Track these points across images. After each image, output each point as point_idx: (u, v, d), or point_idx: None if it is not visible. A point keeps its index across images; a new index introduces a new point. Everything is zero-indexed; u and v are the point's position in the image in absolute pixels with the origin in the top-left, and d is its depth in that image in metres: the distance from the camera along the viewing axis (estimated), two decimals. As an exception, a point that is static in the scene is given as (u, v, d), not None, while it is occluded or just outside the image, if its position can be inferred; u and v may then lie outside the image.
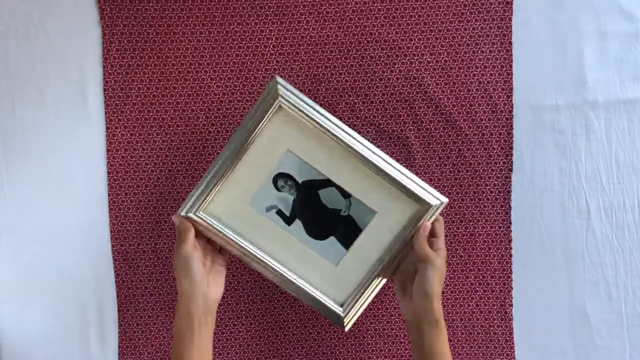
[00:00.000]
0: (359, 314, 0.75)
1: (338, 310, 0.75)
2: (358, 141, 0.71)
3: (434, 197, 0.72)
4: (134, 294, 0.82)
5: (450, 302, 0.82)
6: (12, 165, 0.81)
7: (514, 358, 0.82)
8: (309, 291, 0.74)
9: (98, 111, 0.81)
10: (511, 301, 0.82)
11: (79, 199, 0.81)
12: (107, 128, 0.80)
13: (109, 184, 0.81)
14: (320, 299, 0.74)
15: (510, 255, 0.81)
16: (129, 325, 0.82)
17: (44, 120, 0.80)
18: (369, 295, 0.75)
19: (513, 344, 0.82)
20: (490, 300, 0.82)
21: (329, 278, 0.75)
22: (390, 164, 0.72)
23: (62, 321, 0.82)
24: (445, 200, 0.72)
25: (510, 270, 0.81)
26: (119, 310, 0.82)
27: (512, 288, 0.82)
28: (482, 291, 0.82)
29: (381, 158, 0.71)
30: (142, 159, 0.81)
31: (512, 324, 0.82)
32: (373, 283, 0.74)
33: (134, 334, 0.82)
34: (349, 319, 0.75)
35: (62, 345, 0.82)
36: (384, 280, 0.75)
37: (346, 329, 0.75)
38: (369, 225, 0.74)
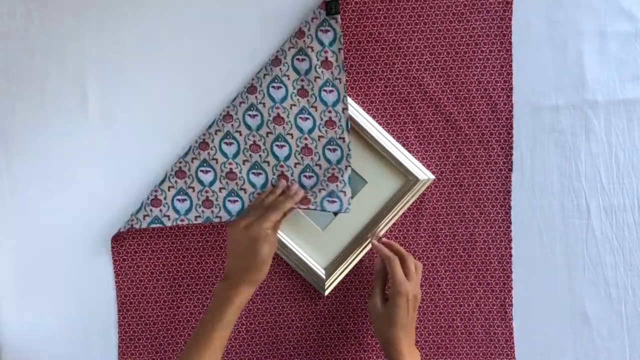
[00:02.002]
0: (339, 279, 0.80)
1: (320, 272, 0.80)
2: (354, 109, 0.78)
3: (422, 173, 0.78)
4: (134, 294, 0.82)
5: (450, 302, 0.82)
6: (12, 165, 0.81)
7: (514, 358, 0.82)
8: (295, 251, 0.80)
9: (98, 111, 0.81)
10: (511, 301, 0.82)
11: (79, 199, 0.81)
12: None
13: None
14: (305, 260, 0.80)
15: (510, 255, 0.81)
16: (129, 326, 0.82)
17: (44, 120, 0.80)
18: (351, 262, 0.80)
19: (513, 343, 0.82)
20: (490, 300, 0.82)
21: (315, 242, 0.81)
22: (384, 136, 0.78)
23: (62, 321, 0.82)
24: (431, 176, 0.79)
25: (511, 270, 0.81)
26: (119, 311, 0.82)
27: (512, 288, 0.82)
28: (482, 291, 0.82)
29: (375, 128, 0.78)
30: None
31: (512, 323, 0.82)
32: (356, 251, 0.80)
33: (133, 333, 0.82)
34: (329, 283, 0.80)
35: (62, 345, 0.82)
36: (367, 248, 0.80)
37: (325, 293, 0.80)
38: (358, 194, 0.80)
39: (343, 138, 0.78)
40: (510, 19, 0.80)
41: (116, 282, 0.82)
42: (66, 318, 0.82)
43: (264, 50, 0.79)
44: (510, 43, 0.80)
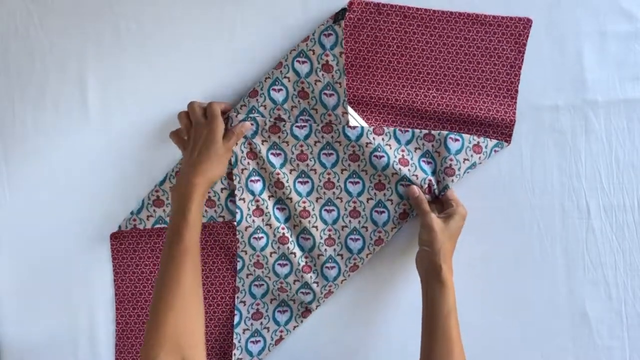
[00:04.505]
0: None
1: None
2: (352, 114, 0.79)
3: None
4: (132, 293, 0.82)
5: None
6: (12, 165, 0.81)
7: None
8: None
9: (98, 111, 0.81)
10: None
11: (79, 199, 0.81)
12: None
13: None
14: None
15: None
16: (126, 324, 0.82)
17: (44, 120, 0.80)
18: None
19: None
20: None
21: None
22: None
23: (62, 321, 0.82)
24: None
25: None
26: (117, 309, 0.82)
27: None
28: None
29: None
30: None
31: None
32: None
33: (131, 332, 0.82)
34: None
35: (62, 346, 0.82)
36: None
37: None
38: None
39: (339, 142, 0.78)
40: (524, 44, 0.79)
41: (115, 280, 0.82)
42: (66, 318, 0.82)
43: (267, 52, 0.79)
44: (520, 68, 0.79)
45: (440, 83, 0.79)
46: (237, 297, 0.81)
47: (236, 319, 0.81)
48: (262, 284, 0.81)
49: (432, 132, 0.78)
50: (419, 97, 0.79)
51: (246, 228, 0.78)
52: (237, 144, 0.77)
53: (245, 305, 0.81)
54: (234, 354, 0.80)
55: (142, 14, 0.80)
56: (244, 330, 0.81)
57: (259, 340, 0.81)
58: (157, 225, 0.80)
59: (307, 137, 0.78)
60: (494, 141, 0.79)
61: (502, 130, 0.80)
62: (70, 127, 0.81)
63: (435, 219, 0.74)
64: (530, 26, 0.79)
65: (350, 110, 0.78)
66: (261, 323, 0.81)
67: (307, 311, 0.81)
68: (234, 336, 0.80)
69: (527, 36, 0.79)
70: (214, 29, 0.80)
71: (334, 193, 0.79)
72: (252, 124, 0.77)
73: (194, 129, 0.75)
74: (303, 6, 0.79)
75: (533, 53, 0.80)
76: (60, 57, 0.80)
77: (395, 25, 0.78)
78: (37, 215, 0.81)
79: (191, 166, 0.71)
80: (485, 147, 0.79)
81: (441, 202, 0.78)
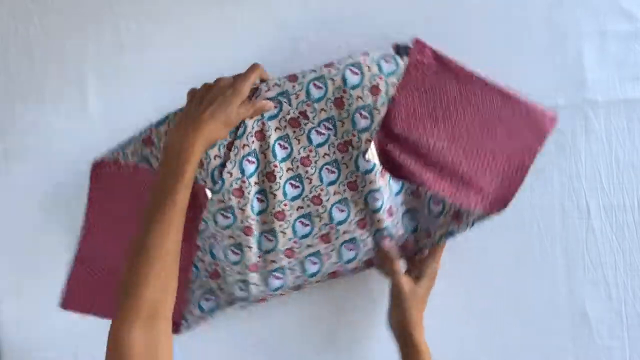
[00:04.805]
0: None
1: None
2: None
3: None
4: (101, 227, 0.80)
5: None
6: (12, 165, 0.81)
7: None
8: None
9: (98, 111, 0.81)
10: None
11: (79, 199, 0.81)
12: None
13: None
14: None
15: None
16: (86, 257, 0.80)
17: (44, 120, 0.80)
18: None
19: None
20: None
21: None
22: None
23: (62, 321, 0.82)
24: None
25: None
26: (80, 240, 0.80)
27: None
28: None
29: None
30: None
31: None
32: None
33: (90, 264, 0.80)
34: None
35: (62, 346, 0.82)
36: None
37: None
38: None
39: (347, 165, 0.75)
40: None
41: (87, 210, 0.79)
42: (66, 318, 0.82)
43: (267, 52, 0.79)
44: (535, 155, 0.77)
45: (459, 139, 0.76)
46: (197, 255, 0.79)
47: (193, 275, 0.79)
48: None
49: (420, 188, 0.76)
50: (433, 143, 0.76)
51: (219, 201, 0.74)
52: (251, 117, 0.72)
53: (204, 263, 0.79)
54: (188, 309, 0.79)
55: (142, 14, 0.80)
56: (200, 286, 0.80)
57: (212, 299, 0.80)
58: (141, 164, 0.76)
59: (320, 145, 0.74)
60: (478, 212, 0.75)
61: (495, 205, 0.76)
62: (70, 127, 0.81)
63: (405, 280, 0.73)
64: (555, 124, 0.76)
65: (372, 144, 0.74)
66: (218, 284, 0.79)
67: (232, 304, 0.79)
68: (188, 292, 0.79)
69: (550, 131, 0.76)
70: (214, 29, 0.80)
71: (317, 210, 0.75)
72: (275, 107, 0.73)
73: (216, 82, 0.70)
74: (303, 6, 0.79)
75: (533, 53, 0.80)
76: (60, 57, 0.80)
77: (441, 76, 0.75)
78: (37, 215, 0.81)
79: (195, 122, 0.66)
80: (466, 217, 0.75)
81: (413, 260, 0.78)
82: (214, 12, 0.80)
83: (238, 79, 0.70)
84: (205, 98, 0.68)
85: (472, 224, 0.75)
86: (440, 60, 0.74)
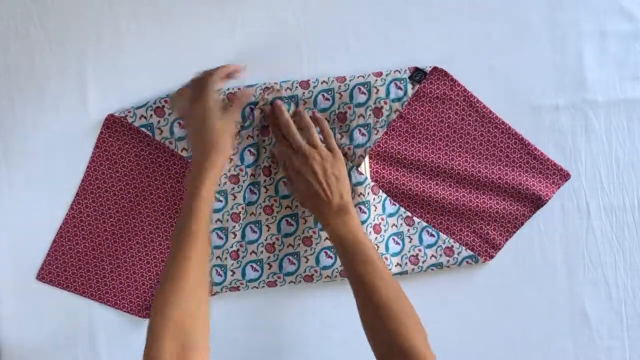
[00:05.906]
0: None
1: None
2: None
3: None
4: (97, 185, 0.80)
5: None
6: (12, 165, 0.81)
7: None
8: None
9: (98, 111, 0.80)
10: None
11: (79, 198, 0.81)
12: None
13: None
14: None
15: None
16: (79, 213, 0.80)
17: (44, 120, 0.80)
18: None
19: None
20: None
21: None
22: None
23: (62, 321, 0.82)
24: None
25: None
26: (77, 195, 0.80)
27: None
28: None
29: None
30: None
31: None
32: None
33: (81, 220, 0.81)
34: None
35: (62, 346, 0.82)
36: None
37: None
38: None
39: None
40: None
41: (88, 166, 0.80)
42: (66, 318, 0.82)
43: (267, 52, 0.79)
44: (540, 207, 0.80)
45: (465, 177, 0.79)
46: None
47: None
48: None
49: (414, 217, 0.79)
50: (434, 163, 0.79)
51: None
52: (258, 114, 0.75)
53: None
54: None
55: (142, 14, 0.80)
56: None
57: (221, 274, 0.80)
58: (143, 130, 0.78)
59: None
60: (469, 252, 0.79)
61: (486, 248, 0.80)
62: (70, 127, 0.81)
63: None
64: (567, 180, 0.80)
65: (366, 159, 0.77)
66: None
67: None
68: None
69: (560, 185, 0.80)
70: (214, 29, 0.80)
71: (304, 212, 0.78)
72: (253, 94, 0.76)
73: (185, 116, 0.72)
74: (303, 6, 0.79)
75: (533, 53, 0.80)
76: (60, 57, 0.80)
77: (456, 106, 0.78)
78: (37, 215, 0.81)
79: (197, 172, 0.68)
80: (458, 254, 0.79)
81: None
82: (214, 12, 0.80)
83: (195, 92, 0.71)
84: (191, 135, 0.72)
85: (461, 262, 0.80)
86: (458, 93, 0.77)
